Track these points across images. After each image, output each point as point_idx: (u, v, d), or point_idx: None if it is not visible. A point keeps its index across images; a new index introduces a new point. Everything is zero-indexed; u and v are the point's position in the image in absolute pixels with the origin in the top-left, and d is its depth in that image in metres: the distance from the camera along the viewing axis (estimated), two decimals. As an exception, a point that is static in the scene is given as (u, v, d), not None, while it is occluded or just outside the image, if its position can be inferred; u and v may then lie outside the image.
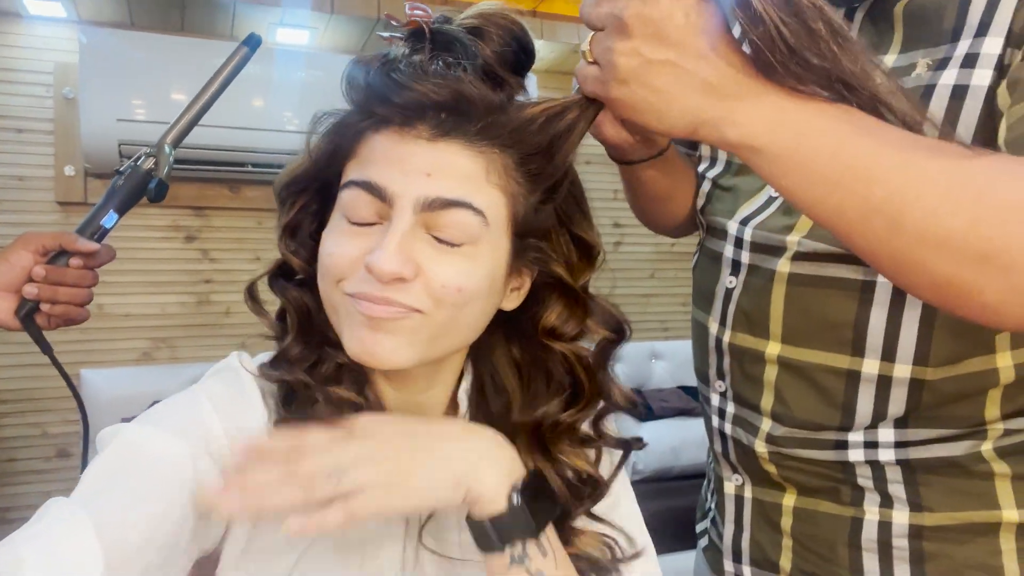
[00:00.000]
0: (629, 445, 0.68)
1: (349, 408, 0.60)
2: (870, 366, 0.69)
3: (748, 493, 0.82)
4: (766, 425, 0.76)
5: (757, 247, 0.76)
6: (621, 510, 0.69)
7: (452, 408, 0.68)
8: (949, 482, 0.70)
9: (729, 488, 0.84)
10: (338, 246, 0.57)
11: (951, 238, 0.49)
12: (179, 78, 2.60)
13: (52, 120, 2.72)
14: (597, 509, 0.66)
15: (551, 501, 0.60)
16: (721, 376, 0.82)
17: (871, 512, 0.73)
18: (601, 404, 0.66)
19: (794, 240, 0.72)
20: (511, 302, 0.63)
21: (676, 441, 3.02)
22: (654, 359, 3.58)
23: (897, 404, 0.69)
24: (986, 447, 0.69)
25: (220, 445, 0.57)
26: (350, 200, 0.57)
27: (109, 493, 0.50)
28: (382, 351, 0.56)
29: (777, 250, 0.74)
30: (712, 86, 0.52)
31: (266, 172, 2.83)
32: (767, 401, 0.76)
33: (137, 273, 2.83)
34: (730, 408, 0.81)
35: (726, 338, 0.79)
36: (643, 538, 0.69)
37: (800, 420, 0.74)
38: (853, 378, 0.70)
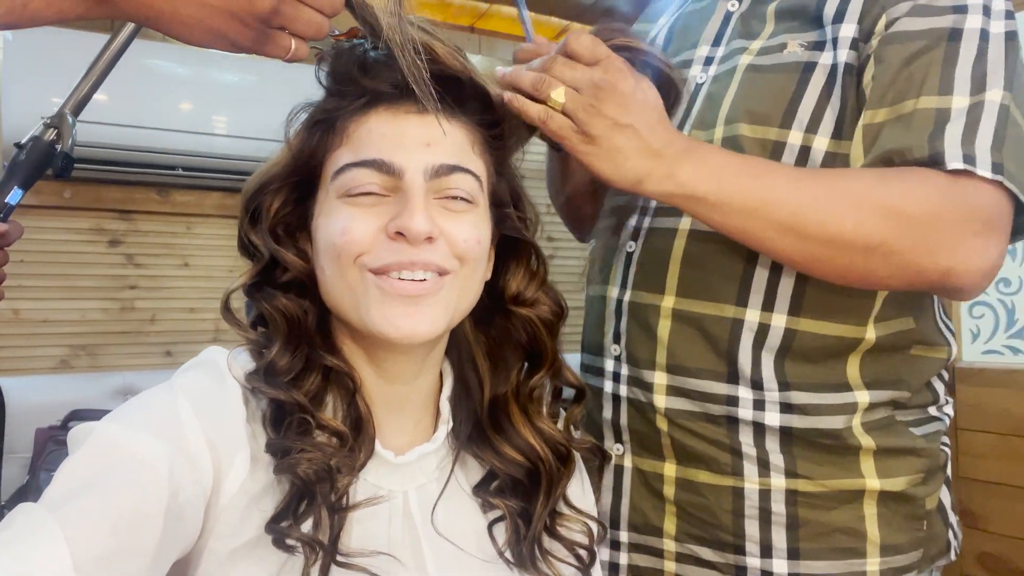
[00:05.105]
0: (600, 450, 0.78)
1: (337, 437, 0.61)
2: (752, 315, 0.78)
3: (628, 462, 0.88)
4: (661, 378, 0.83)
5: (661, 211, 0.84)
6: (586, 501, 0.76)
7: (432, 403, 0.71)
8: (822, 455, 0.78)
9: None
10: (352, 221, 0.59)
11: (843, 237, 0.66)
12: (107, 78, 2.53)
13: (-32, 116, 2.60)
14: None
15: None
16: (617, 339, 0.88)
17: (751, 481, 0.79)
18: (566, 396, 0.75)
19: None
20: (488, 271, 0.69)
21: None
22: (584, 370, 3.64)
23: (771, 351, 0.78)
24: (856, 422, 0.78)
25: (197, 445, 0.55)
26: (351, 181, 0.59)
27: (80, 498, 0.49)
28: (420, 325, 0.59)
29: (679, 210, 0.81)
30: (657, 151, 0.66)
31: (196, 176, 2.76)
32: (661, 355, 0.83)
33: (56, 277, 2.71)
34: (624, 370, 0.87)
35: (626, 298, 0.86)
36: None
37: (689, 369, 0.81)
38: (737, 326, 0.79)
